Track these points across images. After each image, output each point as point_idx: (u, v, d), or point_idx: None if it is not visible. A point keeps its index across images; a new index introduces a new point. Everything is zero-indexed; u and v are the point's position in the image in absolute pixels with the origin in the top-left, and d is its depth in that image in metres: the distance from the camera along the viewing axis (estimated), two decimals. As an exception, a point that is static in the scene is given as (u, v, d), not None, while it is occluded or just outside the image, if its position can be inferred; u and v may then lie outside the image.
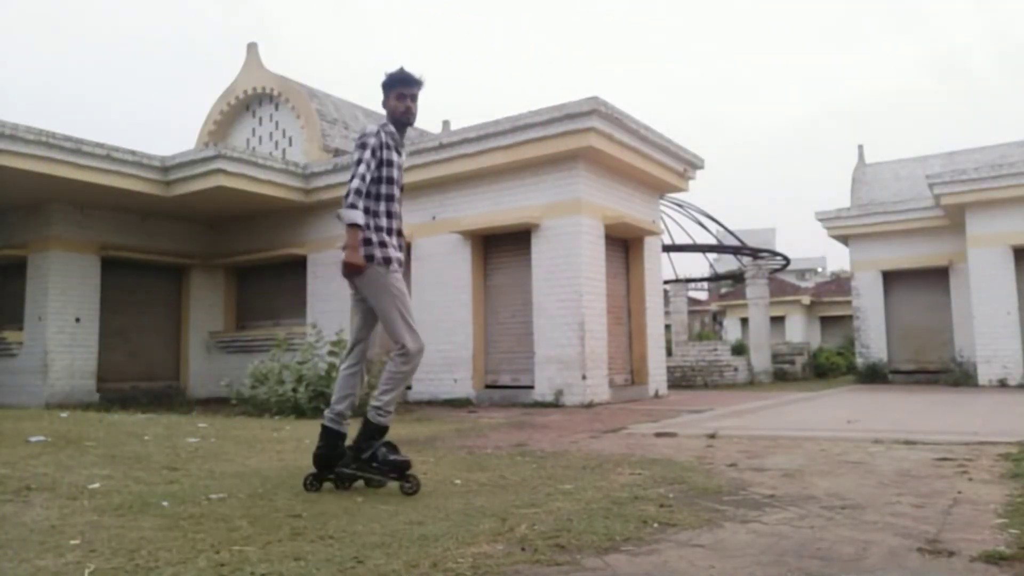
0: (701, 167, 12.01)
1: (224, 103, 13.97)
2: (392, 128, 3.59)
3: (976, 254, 13.48)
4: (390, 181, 3.52)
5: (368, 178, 3.43)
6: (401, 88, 3.53)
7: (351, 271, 3.39)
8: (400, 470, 3.34)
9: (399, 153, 3.59)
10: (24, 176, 10.00)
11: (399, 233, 3.60)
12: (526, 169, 10.06)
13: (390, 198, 3.53)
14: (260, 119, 13.84)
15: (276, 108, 13.57)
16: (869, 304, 16.50)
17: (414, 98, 3.56)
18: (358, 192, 3.39)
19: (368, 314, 3.61)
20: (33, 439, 4.70)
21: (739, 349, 21.66)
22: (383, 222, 3.51)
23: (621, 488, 3.50)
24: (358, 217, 3.35)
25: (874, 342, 16.39)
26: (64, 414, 7.04)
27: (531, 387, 9.80)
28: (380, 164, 3.50)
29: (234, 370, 11.43)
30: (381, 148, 3.50)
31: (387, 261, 3.46)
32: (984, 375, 13.22)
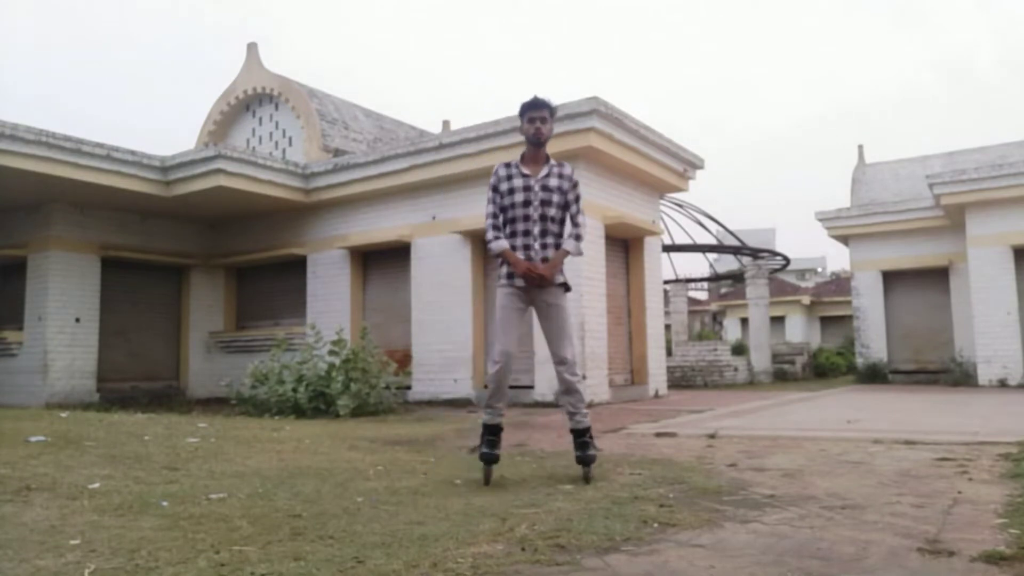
0: (701, 167, 12.01)
1: (224, 103, 13.96)
2: (514, 160, 4.03)
3: (976, 254, 13.48)
4: (512, 206, 3.92)
5: (492, 213, 3.97)
6: (530, 112, 3.94)
7: (535, 283, 3.86)
8: (484, 461, 3.79)
9: (523, 175, 3.94)
10: (24, 176, 9.99)
11: (527, 248, 3.90)
12: (526, 169, 10.05)
13: (513, 220, 3.93)
14: (260, 119, 13.84)
15: (276, 108, 13.56)
16: (869, 304, 16.50)
17: (543, 120, 3.92)
18: (488, 233, 3.96)
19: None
20: (33, 439, 4.70)
21: (739, 349, 21.66)
22: (513, 244, 3.93)
23: (621, 488, 3.50)
24: (500, 246, 3.92)
25: (874, 342, 16.38)
26: (64, 414, 7.03)
27: (531, 387, 9.80)
28: (502, 196, 3.95)
29: (234, 370, 11.43)
30: (499, 183, 3.98)
31: (499, 279, 3.95)
32: (984, 375, 13.22)
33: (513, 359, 3.91)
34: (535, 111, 3.92)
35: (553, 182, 3.93)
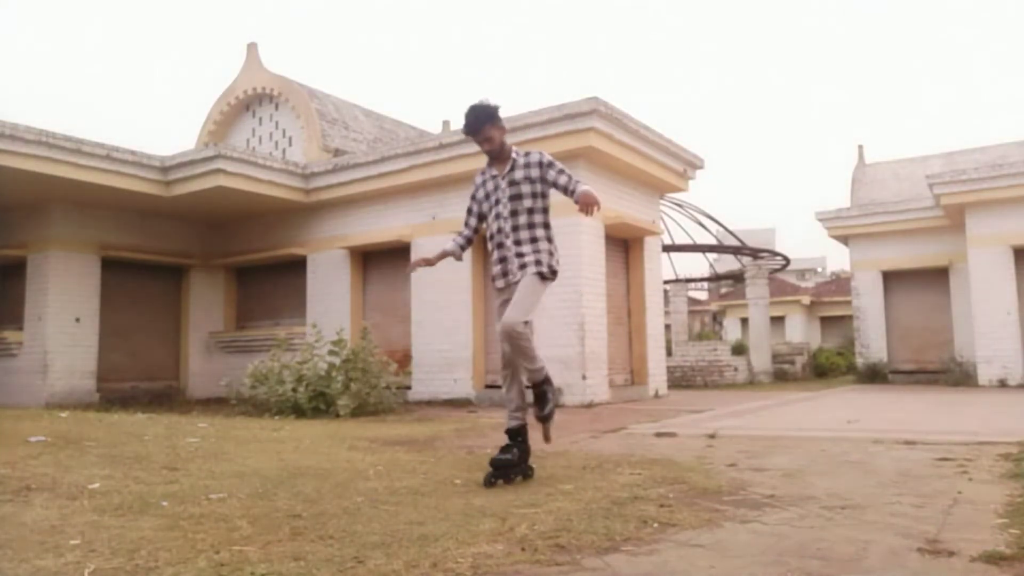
0: (701, 167, 12.01)
1: (224, 103, 13.96)
2: (487, 165, 4.00)
3: (976, 254, 13.47)
4: (489, 210, 3.94)
5: (466, 217, 4.08)
6: (472, 139, 3.92)
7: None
8: (490, 464, 3.78)
9: (493, 177, 3.94)
10: (24, 176, 9.99)
11: (500, 246, 3.90)
12: (526, 169, 10.05)
13: (490, 223, 3.95)
14: (260, 119, 13.84)
15: (276, 108, 13.56)
16: (869, 304, 16.50)
17: (485, 140, 3.86)
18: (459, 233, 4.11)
19: None
20: (33, 439, 4.70)
21: (739, 349, 21.63)
22: (491, 246, 3.96)
23: (621, 488, 3.50)
24: (444, 244, 4.06)
25: (874, 342, 16.38)
26: (64, 414, 7.04)
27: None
28: (479, 203, 4.01)
29: (234, 370, 11.42)
30: (476, 191, 4.03)
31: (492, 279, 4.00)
32: (984, 375, 13.22)
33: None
34: (476, 138, 3.86)
35: (519, 174, 3.87)
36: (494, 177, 3.93)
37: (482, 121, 3.81)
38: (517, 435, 3.82)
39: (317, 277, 12.24)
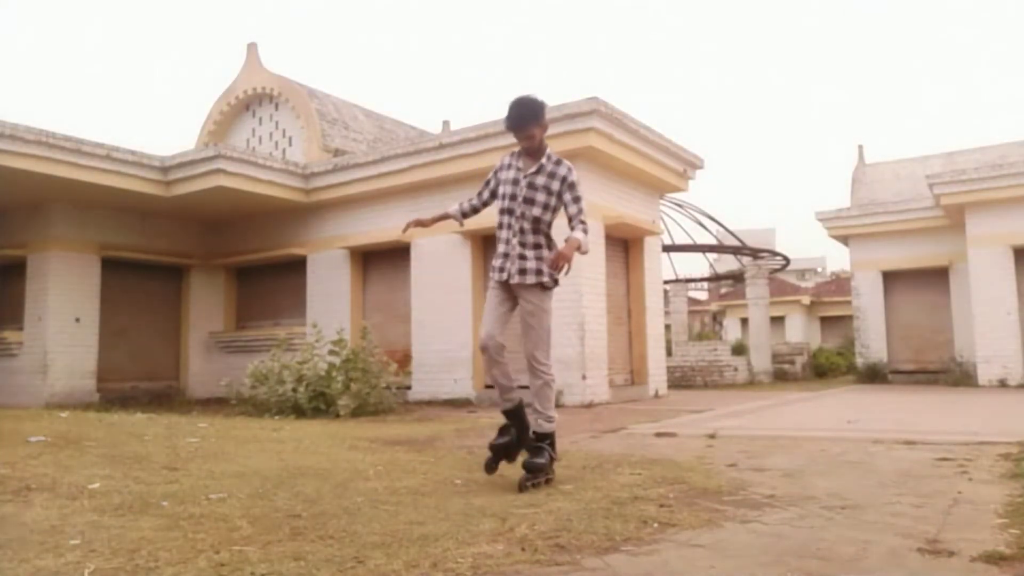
0: (701, 167, 12.01)
1: (224, 103, 13.96)
2: (518, 152, 3.89)
3: (976, 254, 13.48)
4: (502, 198, 3.85)
5: (481, 188, 4.00)
6: (514, 134, 3.80)
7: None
8: (489, 448, 3.85)
9: (517, 169, 3.84)
10: (24, 176, 9.99)
11: (507, 242, 3.83)
12: (526, 169, 10.04)
13: (499, 213, 3.86)
14: (260, 119, 13.84)
15: (276, 108, 13.56)
16: (869, 304, 16.50)
17: (528, 137, 3.75)
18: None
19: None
20: (33, 439, 4.70)
21: (739, 349, 21.64)
22: (498, 236, 3.88)
23: (621, 488, 3.50)
24: (449, 209, 4.09)
25: (874, 342, 16.38)
26: (64, 414, 7.04)
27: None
28: (497, 184, 3.91)
29: (234, 370, 11.42)
30: (499, 171, 3.92)
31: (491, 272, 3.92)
32: (984, 375, 13.22)
33: (498, 344, 3.76)
34: (517, 134, 3.76)
35: (540, 180, 3.76)
36: (519, 170, 3.83)
37: (527, 119, 3.72)
38: (513, 415, 3.78)
39: (317, 277, 12.24)
